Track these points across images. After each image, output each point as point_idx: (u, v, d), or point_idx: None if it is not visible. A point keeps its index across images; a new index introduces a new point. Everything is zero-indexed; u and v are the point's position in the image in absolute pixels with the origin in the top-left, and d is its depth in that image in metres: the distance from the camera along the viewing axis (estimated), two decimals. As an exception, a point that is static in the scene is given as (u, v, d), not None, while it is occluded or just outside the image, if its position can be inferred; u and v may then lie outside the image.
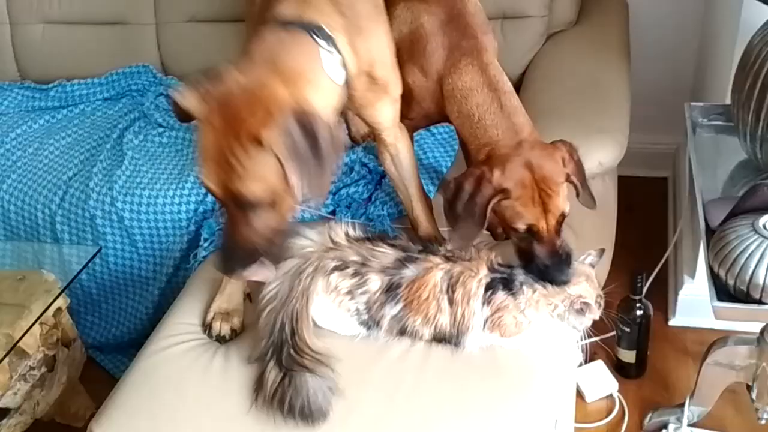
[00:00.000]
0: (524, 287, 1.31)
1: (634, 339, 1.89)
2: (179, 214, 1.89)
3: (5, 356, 1.57)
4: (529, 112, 1.85)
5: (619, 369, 1.95)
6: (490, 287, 1.32)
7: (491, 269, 1.34)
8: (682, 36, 2.39)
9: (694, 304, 2.03)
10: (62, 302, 1.76)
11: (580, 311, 1.32)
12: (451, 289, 1.32)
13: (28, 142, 2.18)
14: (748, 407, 1.65)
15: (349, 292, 1.33)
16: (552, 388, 1.33)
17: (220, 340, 1.45)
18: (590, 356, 1.96)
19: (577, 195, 1.39)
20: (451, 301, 1.32)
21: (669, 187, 2.55)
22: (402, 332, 1.35)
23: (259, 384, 1.31)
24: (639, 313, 1.84)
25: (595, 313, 1.33)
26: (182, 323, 1.51)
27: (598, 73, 1.92)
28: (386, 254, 1.35)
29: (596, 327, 1.97)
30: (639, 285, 1.82)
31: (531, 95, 1.96)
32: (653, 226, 2.38)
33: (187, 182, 1.91)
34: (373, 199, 1.76)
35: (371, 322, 1.35)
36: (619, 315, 1.86)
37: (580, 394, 1.87)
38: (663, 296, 2.14)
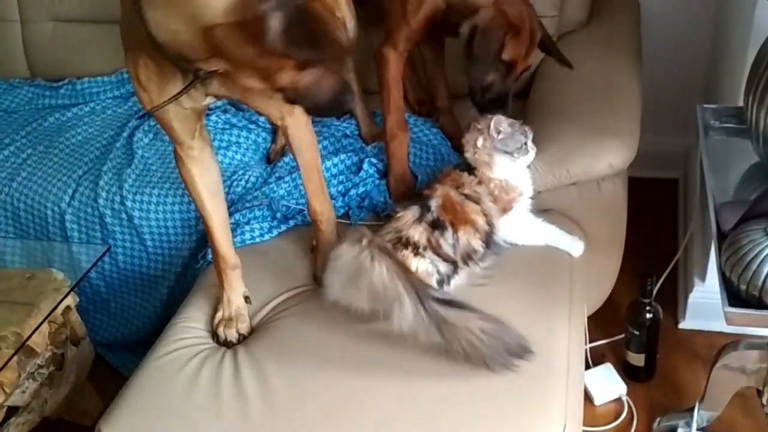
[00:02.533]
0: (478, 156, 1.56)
1: (644, 342, 1.88)
2: (188, 213, 1.89)
3: (14, 355, 1.57)
4: (538, 112, 1.87)
5: (628, 372, 1.94)
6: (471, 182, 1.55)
7: (458, 176, 1.56)
8: (693, 36, 2.37)
9: (704, 307, 2.02)
10: (71, 301, 1.77)
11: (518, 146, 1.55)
12: (464, 195, 1.52)
13: (38, 140, 2.18)
14: (758, 412, 1.64)
15: (417, 253, 1.44)
16: (561, 393, 1.33)
17: (228, 345, 1.46)
18: (599, 359, 1.97)
19: (551, 54, 1.74)
20: (474, 200, 1.51)
21: (679, 189, 2.53)
22: (467, 258, 1.49)
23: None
24: (648, 316, 1.83)
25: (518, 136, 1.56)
26: (191, 325, 1.52)
27: (609, 73, 1.91)
28: (405, 215, 1.47)
29: (606, 329, 1.99)
30: (649, 288, 1.81)
31: (541, 96, 1.95)
32: (662, 228, 2.37)
33: (196, 181, 1.91)
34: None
35: (445, 271, 1.46)
36: (628, 317, 1.86)
37: (588, 397, 1.86)
38: (672, 299, 2.13)
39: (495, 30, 1.59)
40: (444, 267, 1.46)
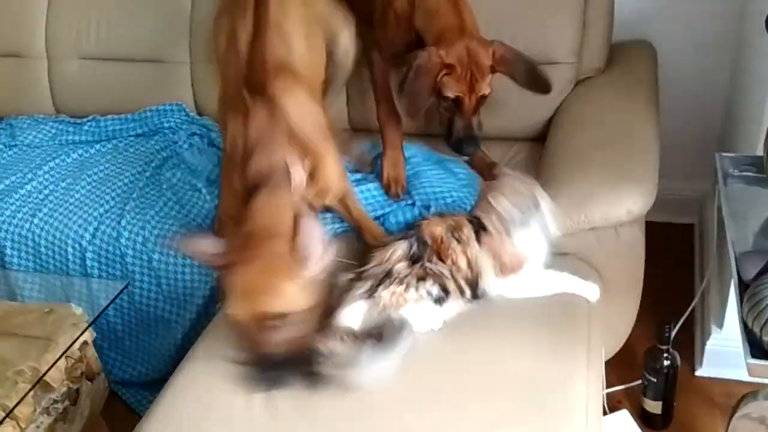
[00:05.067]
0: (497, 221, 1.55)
1: (661, 389, 1.86)
2: (206, 260, 1.90)
3: (31, 389, 1.57)
4: (556, 157, 1.89)
5: (645, 419, 1.91)
6: (476, 231, 1.54)
7: (469, 220, 1.57)
8: (710, 84, 2.39)
9: (721, 355, 2.00)
10: (88, 336, 1.77)
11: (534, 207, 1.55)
12: (453, 235, 1.53)
13: (60, 176, 2.20)
14: (779, 463, 1.62)
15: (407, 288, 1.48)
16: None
17: None
18: (615, 405, 1.95)
19: (515, 80, 1.77)
20: (459, 240, 1.52)
21: (695, 234, 2.53)
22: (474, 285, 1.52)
23: None
24: (666, 363, 1.82)
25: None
26: (205, 364, 1.52)
27: (627, 120, 1.93)
28: (393, 250, 1.51)
29: (622, 375, 1.97)
30: (666, 335, 1.80)
31: (559, 141, 1.97)
32: (678, 273, 2.35)
33: (217, 227, 1.92)
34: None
35: (440, 294, 1.49)
36: (646, 364, 1.85)
37: (605, 445, 1.84)
38: (689, 345, 2.11)
39: (424, 70, 1.71)
40: (436, 289, 1.49)
